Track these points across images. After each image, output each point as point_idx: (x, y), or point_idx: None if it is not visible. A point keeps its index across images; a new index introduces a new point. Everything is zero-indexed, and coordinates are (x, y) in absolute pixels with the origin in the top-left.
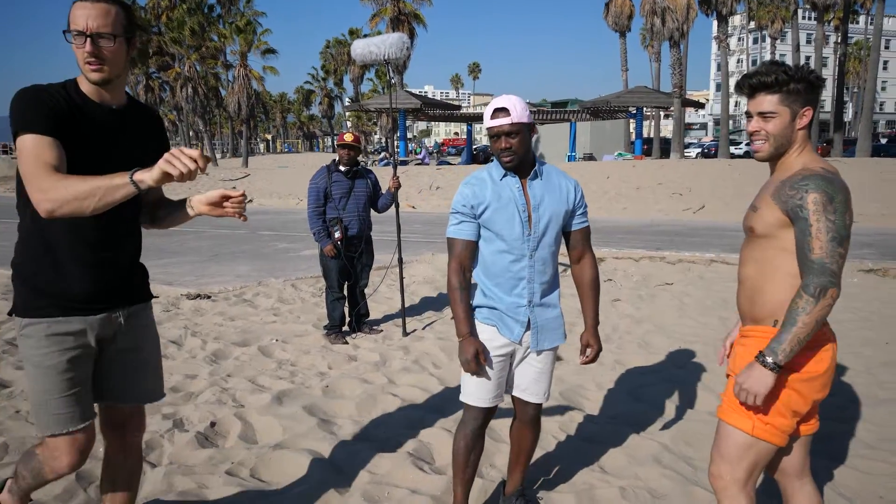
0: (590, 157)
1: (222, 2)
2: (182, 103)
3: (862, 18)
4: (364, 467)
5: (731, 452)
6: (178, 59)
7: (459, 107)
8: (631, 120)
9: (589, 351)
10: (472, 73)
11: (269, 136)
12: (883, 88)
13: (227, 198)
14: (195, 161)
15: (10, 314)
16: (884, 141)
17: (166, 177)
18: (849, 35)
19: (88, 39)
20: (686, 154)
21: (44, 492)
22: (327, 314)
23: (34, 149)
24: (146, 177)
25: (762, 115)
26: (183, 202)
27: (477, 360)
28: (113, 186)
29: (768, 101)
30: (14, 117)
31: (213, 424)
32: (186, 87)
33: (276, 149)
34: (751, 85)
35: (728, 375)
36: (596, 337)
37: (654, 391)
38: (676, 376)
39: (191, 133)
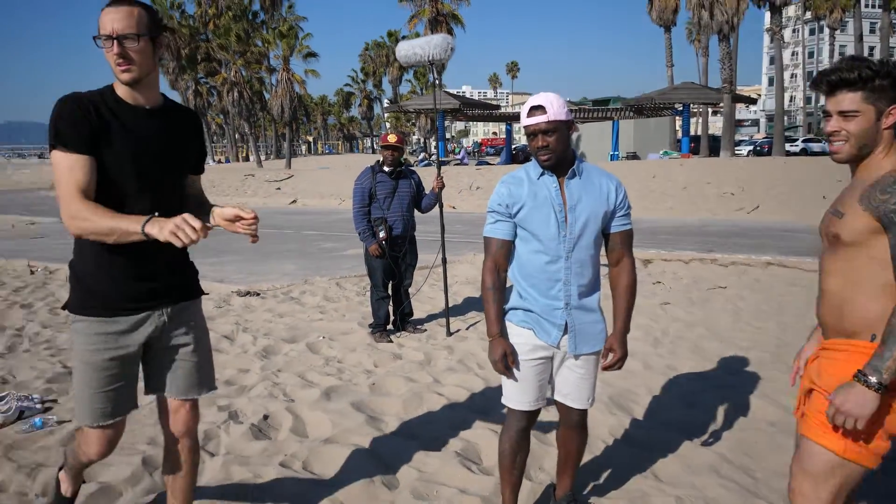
0: (633, 156)
1: (266, 8)
2: (228, 107)
3: None
4: (412, 464)
5: (816, 470)
6: (225, 64)
7: (498, 106)
8: (677, 117)
9: (611, 356)
10: (511, 73)
11: (310, 138)
12: None
13: (240, 218)
14: (197, 232)
15: (63, 308)
16: None
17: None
18: None
19: (115, 41)
20: (737, 152)
21: (113, 476)
22: (372, 313)
23: (66, 169)
24: (155, 232)
25: (843, 114)
26: (210, 209)
27: (505, 362)
28: (128, 232)
29: (850, 99)
30: (50, 130)
31: (266, 417)
32: (233, 92)
33: (318, 150)
34: (830, 82)
35: (811, 390)
36: (622, 343)
37: (709, 398)
38: (731, 383)
39: (237, 136)
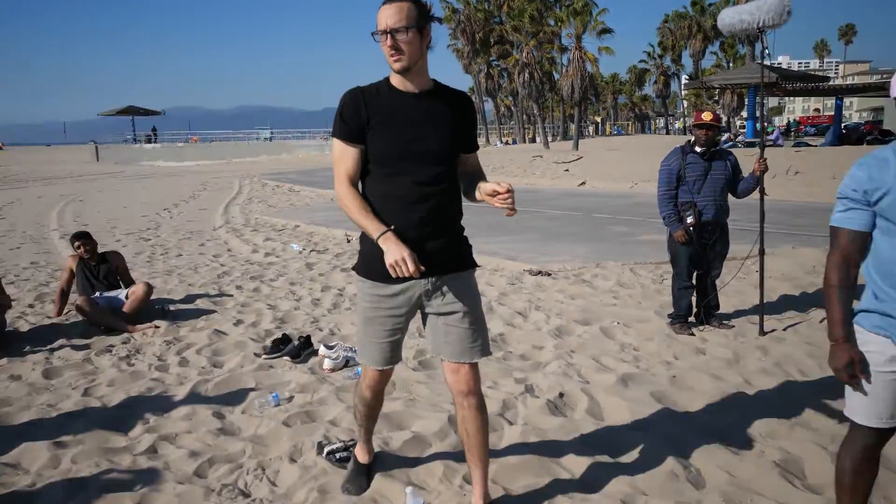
0: None
1: None
2: (518, 88)
3: None
4: (720, 466)
5: None
6: (517, 46)
7: (826, 78)
8: None
9: None
10: (844, 37)
11: (598, 119)
12: None
13: (497, 192)
14: (410, 273)
15: (353, 269)
16: None
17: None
18: None
19: (388, 35)
20: None
21: (423, 427)
22: (673, 302)
23: (339, 156)
24: (383, 248)
25: None
26: (478, 185)
27: (850, 372)
28: (368, 232)
29: None
30: (334, 120)
31: (561, 395)
32: (523, 73)
33: (605, 131)
34: None
35: None
36: None
37: None
38: None
39: (524, 117)
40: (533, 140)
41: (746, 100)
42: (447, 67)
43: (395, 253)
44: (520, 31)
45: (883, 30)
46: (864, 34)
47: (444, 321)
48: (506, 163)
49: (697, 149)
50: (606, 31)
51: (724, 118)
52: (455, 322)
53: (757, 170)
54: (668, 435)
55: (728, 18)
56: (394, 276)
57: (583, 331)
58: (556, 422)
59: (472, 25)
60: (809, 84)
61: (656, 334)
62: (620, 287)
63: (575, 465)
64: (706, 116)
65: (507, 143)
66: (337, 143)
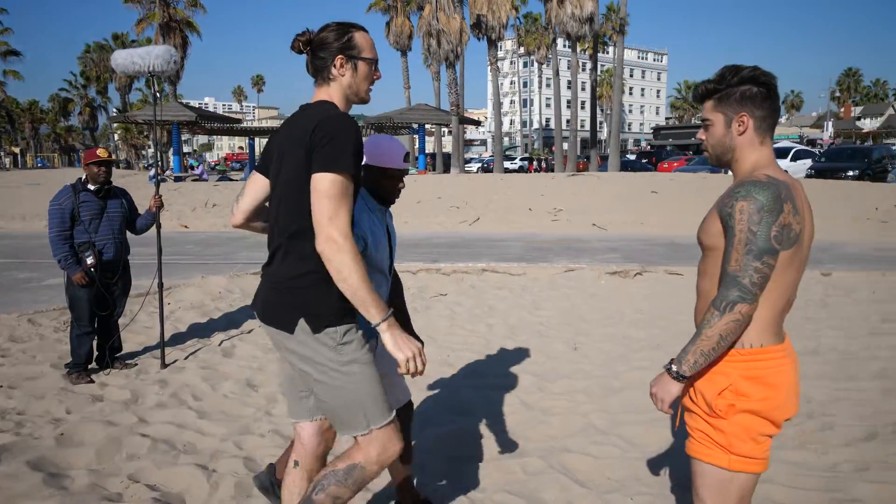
0: None
1: None
2: None
3: (611, 49)
4: None
5: (713, 494)
6: None
7: (240, 120)
8: (414, 136)
9: None
10: (256, 86)
11: (16, 150)
12: (629, 111)
13: None
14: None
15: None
16: (632, 157)
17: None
18: (600, 63)
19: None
20: (467, 168)
21: None
22: (71, 351)
23: (346, 194)
24: (392, 336)
25: (703, 122)
26: None
27: None
28: (372, 308)
29: (705, 109)
30: (343, 148)
31: None
32: None
33: (27, 164)
34: (695, 94)
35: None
36: None
37: None
38: None
39: None
40: None
41: (172, 136)
42: None
43: (410, 345)
44: None
45: (286, 82)
46: (271, 84)
47: None
48: None
49: (91, 186)
50: (13, 53)
51: (157, 153)
52: None
53: (153, 206)
54: None
55: (121, 59)
56: (405, 371)
57: None
58: None
59: None
60: (226, 124)
61: (48, 391)
62: (13, 343)
63: None
64: (102, 153)
65: None
66: (347, 180)
